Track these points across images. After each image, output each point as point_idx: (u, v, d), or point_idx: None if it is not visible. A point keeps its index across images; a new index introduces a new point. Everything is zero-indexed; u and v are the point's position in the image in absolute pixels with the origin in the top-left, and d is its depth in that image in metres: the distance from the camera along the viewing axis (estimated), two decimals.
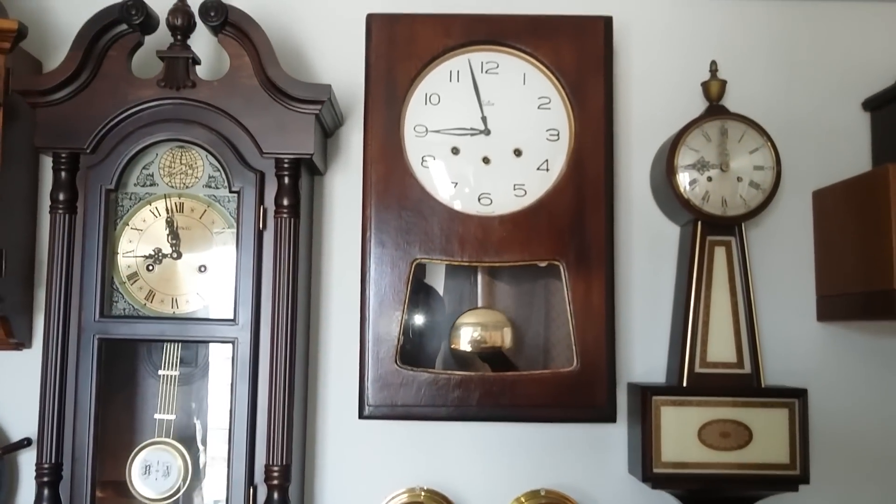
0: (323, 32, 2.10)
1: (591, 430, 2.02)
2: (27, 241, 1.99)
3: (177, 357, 1.85)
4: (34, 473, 1.73)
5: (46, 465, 1.72)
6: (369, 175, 1.80)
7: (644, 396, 1.85)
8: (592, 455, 2.02)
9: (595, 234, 1.79)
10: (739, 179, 1.89)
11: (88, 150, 1.78)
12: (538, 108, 1.85)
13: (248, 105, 1.79)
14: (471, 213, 1.81)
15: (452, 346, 1.89)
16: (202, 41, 1.90)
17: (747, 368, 1.88)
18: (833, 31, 2.12)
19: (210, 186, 1.86)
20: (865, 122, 2.10)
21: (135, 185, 1.85)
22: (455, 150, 1.84)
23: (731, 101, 2.00)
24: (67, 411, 1.74)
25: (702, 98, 2.00)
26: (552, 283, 1.92)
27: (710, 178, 1.90)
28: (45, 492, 1.72)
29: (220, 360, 1.89)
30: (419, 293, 1.93)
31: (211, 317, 1.82)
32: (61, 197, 1.77)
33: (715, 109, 1.96)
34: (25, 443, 1.95)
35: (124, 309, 1.82)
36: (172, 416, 1.84)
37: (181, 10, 1.81)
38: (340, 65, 2.07)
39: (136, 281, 1.84)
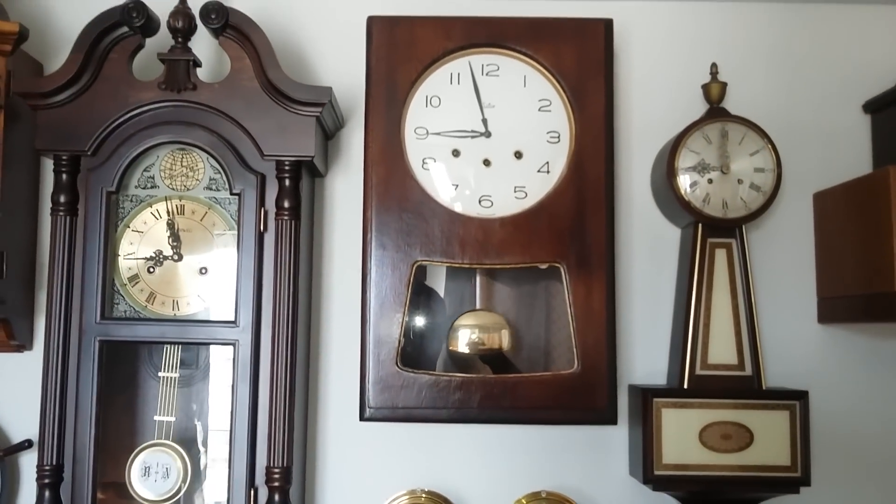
0: (323, 35, 2.10)
1: (592, 431, 2.02)
2: (28, 243, 1.99)
3: (177, 359, 1.85)
4: (35, 475, 1.73)
5: (47, 467, 1.72)
6: (370, 177, 1.81)
7: (645, 398, 1.85)
8: (593, 457, 2.02)
9: (596, 236, 1.79)
10: (740, 182, 1.89)
11: (89, 153, 1.78)
12: (539, 110, 1.85)
13: (249, 107, 1.79)
14: (471, 215, 1.81)
15: (451, 348, 1.89)
16: (203, 44, 1.90)
17: (748, 370, 1.88)
18: (833, 34, 2.12)
19: (211, 189, 1.86)
20: (866, 124, 2.10)
21: (136, 187, 1.85)
22: (456, 153, 1.84)
23: (731, 104, 2.00)
24: (68, 413, 1.74)
25: (702, 100, 2.01)
26: (553, 286, 1.92)
27: (710, 181, 1.90)
28: (47, 493, 1.72)
29: (221, 362, 1.89)
30: (420, 295, 1.93)
31: (212, 319, 1.82)
32: (62, 199, 1.78)
33: (715, 112, 1.96)
34: (26, 444, 1.95)
35: (125, 311, 1.83)
36: (172, 418, 1.84)
37: (182, 12, 1.82)
38: (341, 67, 2.07)
39: (136, 283, 1.84)
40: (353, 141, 2.08)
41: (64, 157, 1.78)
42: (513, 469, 2.01)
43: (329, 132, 2.00)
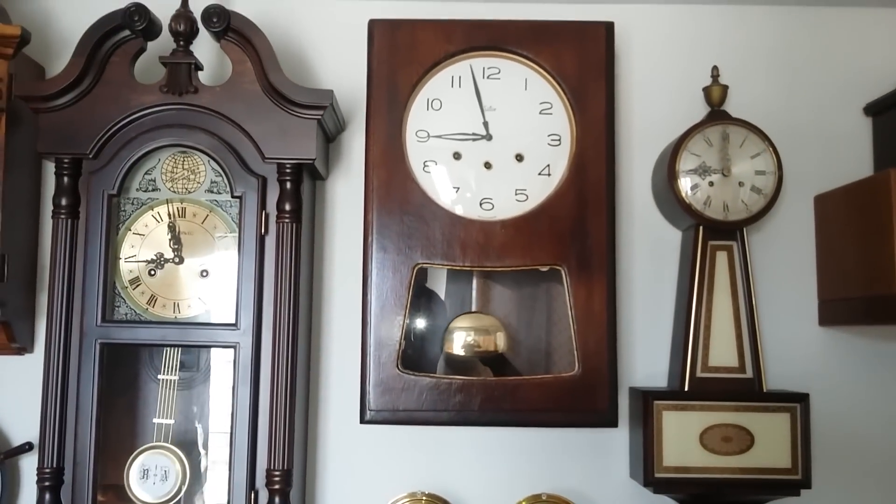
0: (325, 38, 2.11)
1: (593, 434, 2.02)
2: (29, 245, 2.00)
3: (176, 361, 1.85)
4: (36, 478, 1.73)
5: (48, 470, 1.72)
6: (371, 180, 1.81)
7: (645, 401, 1.85)
8: (594, 459, 2.02)
9: (596, 238, 1.79)
10: (741, 184, 1.90)
11: (91, 156, 1.78)
12: (540, 113, 1.85)
13: (251, 110, 1.79)
14: (472, 217, 1.81)
15: (446, 351, 1.89)
16: (204, 47, 1.91)
17: (749, 373, 1.88)
18: (834, 37, 2.12)
19: (212, 191, 1.86)
20: (867, 127, 2.10)
21: (137, 190, 1.85)
22: (457, 155, 1.84)
23: (732, 106, 2.00)
24: (69, 416, 1.74)
25: (703, 103, 2.01)
26: (554, 288, 1.92)
27: (711, 183, 1.90)
28: (47, 496, 1.72)
29: (221, 364, 1.89)
30: (421, 298, 1.93)
31: (213, 321, 1.83)
32: (64, 202, 1.78)
33: (716, 114, 1.96)
34: (27, 447, 1.95)
35: (126, 314, 1.83)
36: (171, 421, 1.84)
37: (184, 15, 1.82)
38: (342, 70, 2.08)
39: (137, 286, 1.84)
40: (354, 144, 2.08)
41: (65, 160, 1.78)
42: (513, 471, 2.01)
43: (330, 135, 2.00)
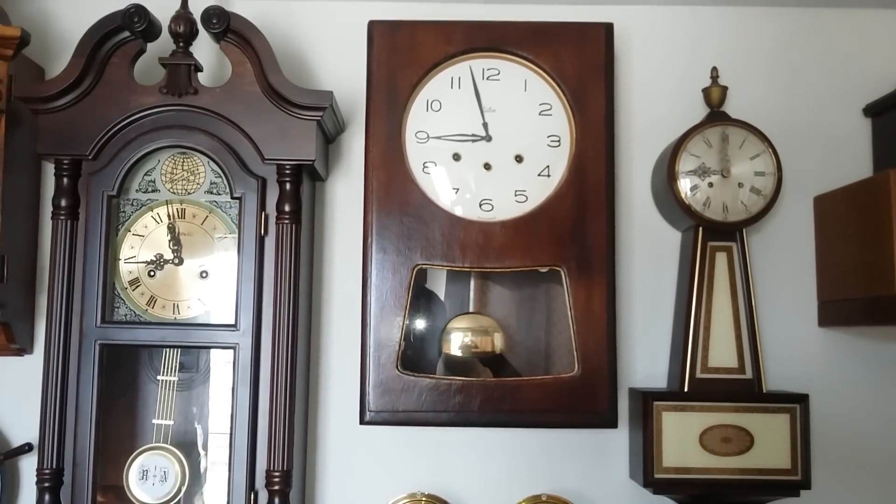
0: (324, 39, 2.11)
1: (593, 435, 2.02)
2: (29, 247, 2.00)
3: (176, 362, 1.85)
4: (35, 478, 1.73)
5: (47, 471, 1.72)
6: (371, 181, 1.81)
7: (645, 402, 1.85)
8: (594, 460, 2.02)
9: (596, 239, 1.79)
10: (740, 185, 1.90)
11: (90, 157, 1.78)
12: (539, 114, 1.85)
13: (250, 111, 1.79)
14: (472, 218, 1.81)
15: (444, 352, 1.89)
16: (204, 48, 1.91)
17: (748, 374, 1.88)
18: (834, 38, 2.13)
19: (212, 192, 1.86)
20: (866, 128, 2.10)
21: (137, 191, 1.86)
22: (456, 157, 1.84)
23: (731, 108, 2.00)
24: (69, 417, 1.74)
25: (703, 104, 2.01)
26: (553, 289, 1.92)
27: (711, 184, 1.90)
28: (47, 497, 1.72)
29: (221, 365, 1.89)
30: (420, 298, 1.94)
31: (212, 322, 1.83)
32: (63, 203, 1.78)
33: (716, 115, 1.96)
34: (27, 448, 1.95)
35: (126, 315, 1.83)
36: (171, 422, 1.84)
37: (183, 17, 1.82)
38: (342, 71, 2.08)
39: (137, 287, 1.84)
40: (354, 145, 2.08)
41: (65, 161, 1.78)
42: (513, 472, 2.01)
43: (330, 136, 2.00)
